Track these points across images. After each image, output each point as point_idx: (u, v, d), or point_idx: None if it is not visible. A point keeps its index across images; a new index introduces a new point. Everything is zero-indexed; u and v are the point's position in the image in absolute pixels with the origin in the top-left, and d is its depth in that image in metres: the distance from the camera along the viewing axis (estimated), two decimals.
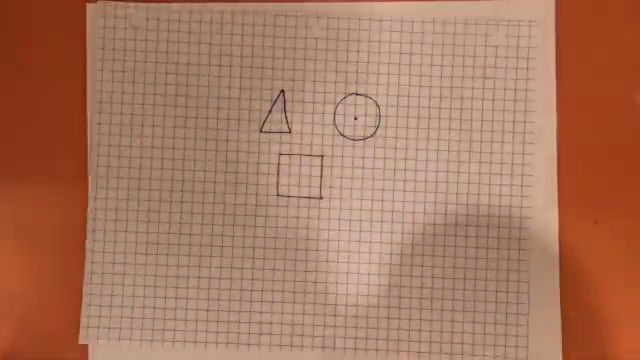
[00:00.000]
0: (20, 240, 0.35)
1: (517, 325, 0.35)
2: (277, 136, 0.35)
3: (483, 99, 0.35)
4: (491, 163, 0.35)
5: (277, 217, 0.35)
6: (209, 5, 0.35)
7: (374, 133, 0.35)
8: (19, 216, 0.35)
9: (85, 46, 0.35)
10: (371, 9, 0.35)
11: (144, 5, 0.35)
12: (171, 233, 0.35)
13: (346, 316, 0.35)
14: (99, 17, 0.35)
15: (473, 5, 0.35)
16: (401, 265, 0.35)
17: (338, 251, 0.35)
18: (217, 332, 0.35)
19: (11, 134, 0.35)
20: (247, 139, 0.35)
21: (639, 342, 0.35)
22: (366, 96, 0.35)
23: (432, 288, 0.35)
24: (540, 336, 0.35)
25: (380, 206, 0.35)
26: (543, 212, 0.35)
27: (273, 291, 0.35)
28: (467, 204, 0.35)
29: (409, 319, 0.35)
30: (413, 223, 0.35)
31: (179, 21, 0.35)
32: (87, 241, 0.35)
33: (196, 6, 0.35)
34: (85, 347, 0.35)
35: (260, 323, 0.35)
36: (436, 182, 0.35)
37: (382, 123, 0.35)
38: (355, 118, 0.35)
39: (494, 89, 0.35)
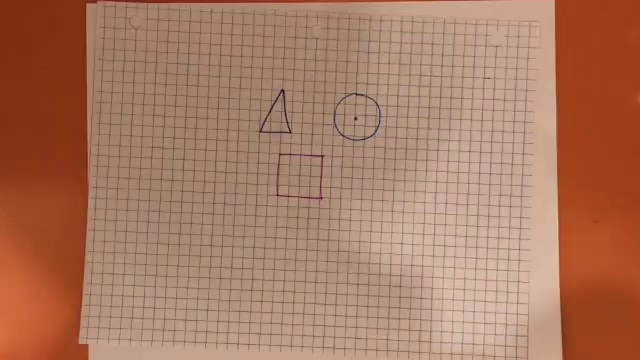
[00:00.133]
0: (20, 240, 0.35)
1: (517, 325, 0.35)
2: (277, 136, 0.35)
3: (483, 99, 0.35)
4: (491, 163, 0.35)
5: (277, 217, 0.35)
6: (209, 5, 0.35)
7: (374, 133, 0.35)
8: (19, 216, 0.35)
9: (85, 46, 0.35)
10: (371, 9, 0.35)
11: (144, 5, 0.35)
12: (171, 233, 0.35)
13: (346, 316, 0.35)
14: (99, 17, 0.35)
15: (473, 5, 0.35)
16: (401, 265, 0.35)
17: (338, 251, 0.35)
18: (217, 332, 0.35)
19: (11, 134, 0.35)
20: (247, 139, 0.35)
21: (639, 342, 0.35)
22: (366, 96, 0.35)
23: (432, 288, 0.35)
24: (540, 336, 0.35)
25: (380, 206, 0.35)
26: (543, 212, 0.35)
27: (273, 291, 0.35)
28: (467, 204, 0.35)
29: (409, 319, 0.35)
30: (413, 223, 0.35)
31: (179, 21, 0.35)
32: (87, 241, 0.35)
33: (196, 6, 0.35)
34: (85, 347, 0.35)
35: (260, 323, 0.35)
36: (436, 182, 0.35)
37: (382, 123, 0.35)
38: (355, 118, 0.35)
39: (494, 89, 0.35)
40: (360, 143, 0.35)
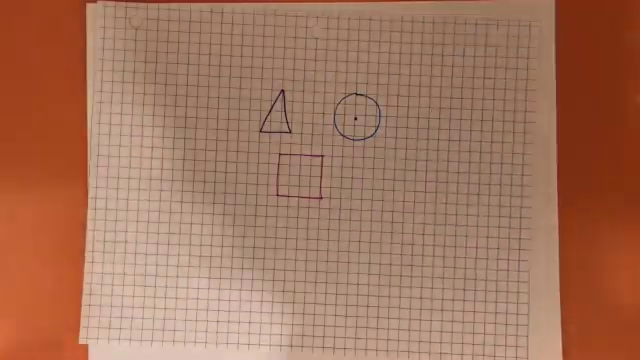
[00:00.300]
0: (20, 240, 0.35)
1: (517, 325, 0.35)
2: (277, 136, 0.35)
3: (483, 99, 0.35)
4: (491, 163, 0.35)
5: (277, 217, 0.35)
6: (209, 5, 0.35)
7: (374, 133, 0.35)
8: (19, 216, 0.35)
9: (85, 46, 0.35)
10: (371, 9, 0.35)
11: (144, 5, 0.35)
12: (171, 233, 0.35)
13: (346, 316, 0.35)
14: (99, 17, 0.35)
15: (473, 5, 0.35)
16: (401, 265, 0.35)
17: (338, 251, 0.35)
18: (217, 332, 0.35)
19: (11, 134, 0.35)
20: (247, 139, 0.35)
21: (639, 342, 0.35)
22: (366, 96, 0.35)
23: (432, 288, 0.35)
24: (540, 336, 0.35)
25: (380, 206, 0.35)
26: (543, 212, 0.35)
27: (273, 291, 0.35)
28: (467, 204, 0.35)
29: (409, 319, 0.35)
30: (413, 223, 0.35)
31: (179, 21, 0.35)
32: (87, 241, 0.35)
33: (196, 6, 0.35)
34: (85, 347, 0.35)
35: (260, 323, 0.35)
36: (436, 182, 0.35)
37: (382, 123, 0.35)
38: (355, 118, 0.35)
39: (494, 89, 0.35)
40: (360, 143, 0.35)
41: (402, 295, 0.35)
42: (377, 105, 0.35)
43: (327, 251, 0.35)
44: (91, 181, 0.35)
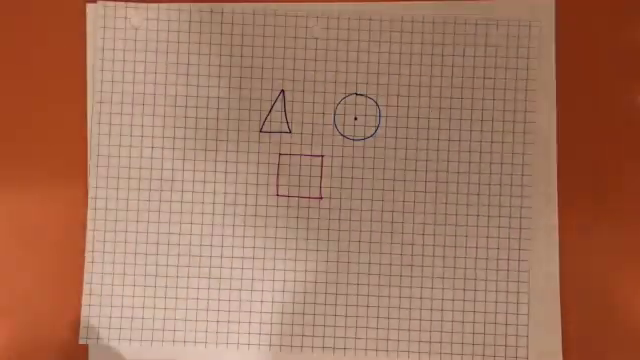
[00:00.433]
0: (20, 240, 0.35)
1: (517, 325, 0.35)
2: (277, 136, 0.35)
3: (483, 99, 0.35)
4: (491, 163, 0.35)
5: (277, 217, 0.35)
6: (209, 5, 0.35)
7: (374, 133, 0.35)
8: (19, 216, 0.35)
9: (85, 46, 0.35)
10: (371, 9, 0.35)
11: (144, 5, 0.35)
12: (171, 233, 0.35)
13: (346, 316, 0.35)
14: (99, 17, 0.35)
15: (473, 5, 0.35)
16: (401, 265, 0.35)
17: (338, 251, 0.35)
18: (217, 332, 0.35)
19: (11, 134, 0.35)
20: (247, 139, 0.35)
21: (639, 341, 0.35)
22: (366, 96, 0.35)
23: (432, 288, 0.35)
24: (540, 336, 0.35)
25: (380, 206, 0.35)
26: (543, 212, 0.35)
27: (273, 291, 0.35)
28: (467, 204, 0.35)
29: (409, 319, 0.35)
30: (413, 223, 0.35)
31: (179, 21, 0.35)
32: (87, 241, 0.35)
33: (196, 6, 0.35)
34: (85, 347, 0.35)
35: (260, 323, 0.35)
36: (436, 182, 0.35)
37: (382, 123, 0.35)
38: (355, 118, 0.35)
39: (494, 89, 0.35)
40: (360, 143, 0.35)
41: (402, 295, 0.35)
42: (377, 105, 0.35)
43: (327, 251, 0.35)
44: (91, 181, 0.35)
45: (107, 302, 0.35)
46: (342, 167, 0.35)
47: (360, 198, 0.35)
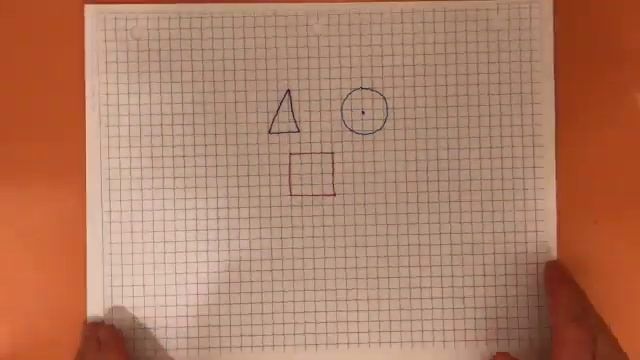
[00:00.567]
0: (20, 240, 0.35)
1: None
2: (286, 136, 0.35)
3: (489, 83, 0.35)
4: (502, 147, 0.35)
5: (292, 217, 0.35)
6: (209, 9, 0.35)
7: (382, 126, 0.35)
8: (19, 216, 0.35)
9: (84, 47, 0.35)
10: (371, 6, 0.35)
11: (144, 16, 0.35)
12: (188, 241, 0.35)
13: (368, 310, 0.35)
14: (99, 30, 0.35)
15: None
16: (419, 255, 0.35)
17: (355, 246, 0.35)
18: (241, 336, 0.35)
19: (11, 134, 0.35)
20: (256, 141, 0.35)
21: (639, 341, 0.34)
22: (372, 90, 0.35)
23: (452, 276, 0.35)
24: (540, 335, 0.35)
25: (394, 198, 0.35)
26: (543, 211, 0.35)
27: (294, 291, 0.35)
28: (481, 189, 0.35)
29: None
30: (428, 213, 0.35)
31: (180, 29, 0.35)
32: (88, 242, 0.35)
33: (196, 11, 0.35)
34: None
35: (283, 324, 0.35)
36: (448, 170, 0.35)
37: (390, 115, 0.35)
38: (362, 112, 0.35)
39: (499, 73, 0.35)
40: (370, 137, 0.35)
41: (422, 285, 0.35)
42: (383, 98, 0.35)
43: (344, 247, 0.35)
44: (103, 185, 0.35)
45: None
46: (353, 162, 0.35)
47: (373, 192, 0.35)
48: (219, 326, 0.35)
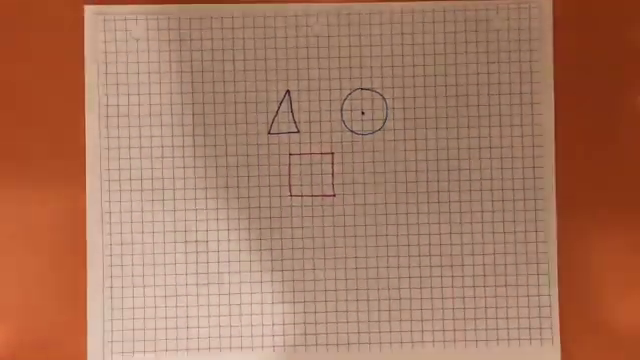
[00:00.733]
0: (19, 240, 0.35)
1: (539, 307, 0.35)
2: (286, 137, 0.35)
3: (489, 84, 0.35)
4: (502, 147, 0.35)
5: (292, 217, 0.35)
6: (208, 11, 0.35)
7: (382, 126, 0.35)
8: (19, 216, 0.35)
9: (84, 47, 0.35)
10: (371, 6, 0.35)
11: (144, 17, 0.35)
12: (188, 242, 0.35)
13: (368, 311, 0.35)
14: (99, 31, 0.35)
15: None
16: (419, 256, 0.35)
17: (355, 247, 0.35)
18: (241, 336, 0.35)
19: (11, 134, 0.35)
20: (256, 142, 0.35)
21: (638, 341, 0.34)
22: (372, 90, 0.35)
23: (452, 276, 0.35)
24: (540, 337, 0.35)
25: (394, 199, 0.35)
26: (543, 211, 0.35)
27: (294, 292, 0.35)
28: (481, 189, 0.35)
29: (432, 309, 0.35)
30: (428, 213, 0.35)
31: (179, 29, 0.35)
32: (88, 244, 0.35)
33: (196, 11, 0.35)
34: (84, 348, 0.35)
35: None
36: (448, 170, 0.35)
37: (390, 115, 0.35)
38: (362, 113, 0.35)
39: (499, 73, 0.35)
40: (369, 137, 0.35)
41: (422, 286, 0.35)
42: (383, 98, 0.35)
43: (344, 247, 0.35)
44: (102, 186, 0.35)
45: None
46: (353, 163, 0.35)
47: (374, 192, 0.35)
48: (219, 326, 0.35)
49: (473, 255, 0.35)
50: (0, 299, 0.35)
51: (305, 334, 0.35)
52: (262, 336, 0.35)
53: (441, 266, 0.35)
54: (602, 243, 0.35)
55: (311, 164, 0.35)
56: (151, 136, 0.35)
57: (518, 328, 0.35)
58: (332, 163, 0.35)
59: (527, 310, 0.35)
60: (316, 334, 0.35)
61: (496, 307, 0.35)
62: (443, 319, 0.35)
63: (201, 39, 0.35)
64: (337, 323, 0.35)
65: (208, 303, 0.35)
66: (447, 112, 0.35)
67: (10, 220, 0.35)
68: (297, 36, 0.35)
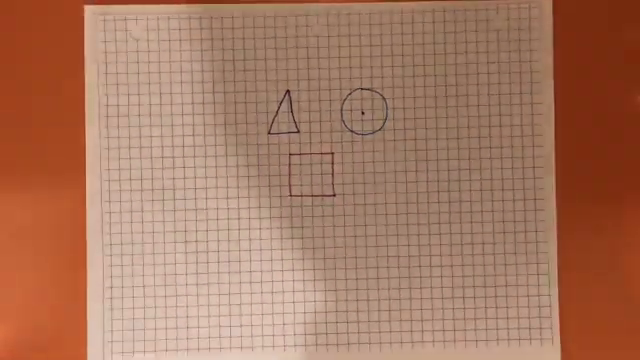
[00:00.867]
0: (19, 240, 0.35)
1: (539, 307, 0.35)
2: (286, 137, 0.35)
3: (489, 84, 0.35)
4: (501, 147, 0.35)
5: (292, 217, 0.35)
6: (208, 12, 0.35)
7: (382, 126, 0.35)
8: (19, 216, 0.35)
9: (84, 48, 0.35)
10: (371, 6, 0.35)
11: (144, 16, 0.35)
12: (188, 242, 0.35)
13: (368, 311, 0.35)
14: (99, 31, 0.35)
15: None
16: (419, 256, 0.35)
17: (355, 247, 0.35)
18: (241, 336, 0.35)
19: (11, 134, 0.35)
20: (256, 142, 0.35)
21: (638, 341, 0.34)
22: (372, 90, 0.35)
23: (452, 276, 0.35)
24: (539, 337, 0.35)
25: (394, 199, 0.35)
26: (543, 211, 0.35)
27: (294, 292, 0.35)
28: (481, 189, 0.35)
29: (432, 309, 0.35)
30: (429, 213, 0.35)
31: (179, 29, 0.35)
32: (87, 244, 0.35)
33: (196, 11, 0.35)
34: (84, 348, 0.35)
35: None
36: (448, 170, 0.35)
37: (389, 115, 0.35)
38: (362, 113, 0.35)
39: (499, 73, 0.35)
40: (369, 137, 0.35)
41: (422, 286, 0.35)
42: (383, 98, 0.35)
43: (344, 247, 0.35)
44: (102, 187, 0.35)
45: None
46: (353, 163, 0.35)
47: (374, 192, 0.35)
48: (219, 326, 0.35)
49: (473, 255, 0.35)
50: (0, 299, 0.35)
51: (305, 334, 0.35)
52: (262, 336, 0.35)
53: (441, 266, 0.35)
54: (602, 243, 0.35)
55: (311, 164, 0.35)
56: (151, 136, 0.35)
57: (518, 328, 0.35)
58: (332, 163, 0.35)
59: (527, 310, 0.35)
60: (316, 334, 0.35)
61: (496, 307, 0.35)
62: (443, 319, 0.35)
63: (201, 39, 0.35)
64: (337, 323, 0.35)
65: (208, 303, 0.35)
66: (447, 112, 0.35)
67: (10, 220, 0.35)
68: (297, 36, 0.35)
